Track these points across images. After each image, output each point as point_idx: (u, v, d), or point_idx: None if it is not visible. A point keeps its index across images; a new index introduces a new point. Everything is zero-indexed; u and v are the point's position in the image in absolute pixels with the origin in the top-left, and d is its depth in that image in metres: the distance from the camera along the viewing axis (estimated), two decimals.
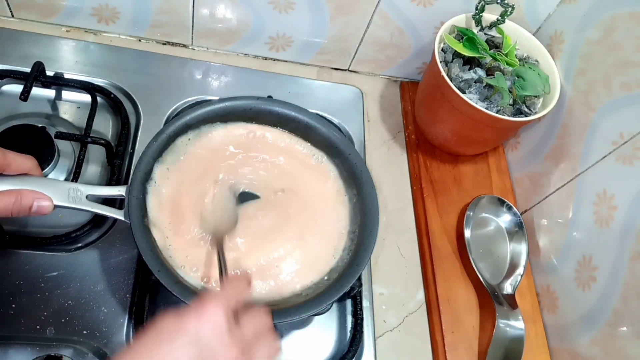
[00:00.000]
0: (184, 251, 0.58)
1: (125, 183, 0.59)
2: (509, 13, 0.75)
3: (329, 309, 0.64)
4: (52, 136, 0.66)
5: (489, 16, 0.77)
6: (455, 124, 0.76)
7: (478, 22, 0.77)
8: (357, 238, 0.62)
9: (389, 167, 0.82)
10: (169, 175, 0.61)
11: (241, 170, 0.65)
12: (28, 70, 0.69)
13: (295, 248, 0.61)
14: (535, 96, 0.73)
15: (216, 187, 0.62)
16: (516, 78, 0.72)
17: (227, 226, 0.61)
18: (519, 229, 0.77)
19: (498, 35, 0.77)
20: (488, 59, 0.74)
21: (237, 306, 0.44)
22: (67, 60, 0.76)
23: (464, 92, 0.72)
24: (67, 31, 0.81)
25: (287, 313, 0.54)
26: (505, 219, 0.78)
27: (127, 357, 0.39)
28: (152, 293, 0.63)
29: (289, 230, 0.62)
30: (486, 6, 0.75)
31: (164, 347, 0.39)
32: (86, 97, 0.73)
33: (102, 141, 0.67)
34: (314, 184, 0.66)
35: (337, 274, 0.60)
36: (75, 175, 0.65)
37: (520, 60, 0.75)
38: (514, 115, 0.72)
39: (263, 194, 0.64)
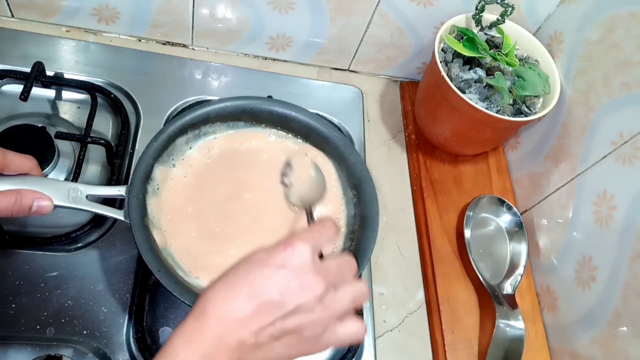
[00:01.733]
0: (184, 251, 0.58)
1: (125, 183, 0.59)
2: (509, 13, 0.75)
3: None
4: (52, 136, 0.66)
5: (489, 16, 0.77)
6: (455, 124, 0.76)
7: (478, 22, 0.77)
8: (357, 238, 0.62)
9: (389, 167, 0.82)
10: (169, 176, 0.61)
11: (241, 173, 0.65)
12: (28, 70, 0.69)
13: None
14: (535, 96, 0.73)
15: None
16: (516, 78, 0.72)
17: (316, 195, 0.63)
18: (519, 229, 0.77)
19: (498, 35, 0.77)
20: (488, 59, 0.74)
21: (323, 247, 0.47)
22: (67, 60, 0.76)
23: (464, 92, 0.72)
24: (67, 31, 0.81)
25: None
26: (505, 219, 0.78)
27: (224, 280, 0.43)
28: (152, 293, 0.63)
29: (289, 232, 0.62)
30: (486, 6, 0.75)
31: (256, 271, 0.43)
32: (86, 97, 0.73)
33: (102, 141, 0.67)
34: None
35: None
36: (75, 175, 0.65)
37: (520, 60, 0.75)
38: (514, 115, 0.72)
39: (264, 198, 0.64)
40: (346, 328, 0.45)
